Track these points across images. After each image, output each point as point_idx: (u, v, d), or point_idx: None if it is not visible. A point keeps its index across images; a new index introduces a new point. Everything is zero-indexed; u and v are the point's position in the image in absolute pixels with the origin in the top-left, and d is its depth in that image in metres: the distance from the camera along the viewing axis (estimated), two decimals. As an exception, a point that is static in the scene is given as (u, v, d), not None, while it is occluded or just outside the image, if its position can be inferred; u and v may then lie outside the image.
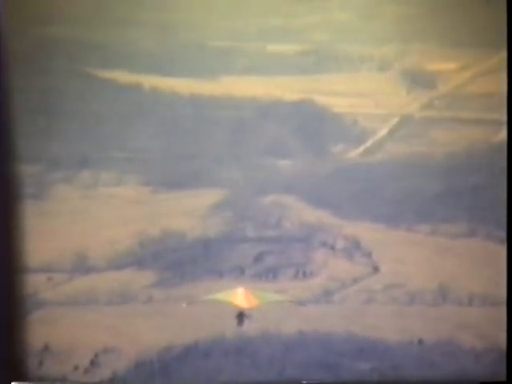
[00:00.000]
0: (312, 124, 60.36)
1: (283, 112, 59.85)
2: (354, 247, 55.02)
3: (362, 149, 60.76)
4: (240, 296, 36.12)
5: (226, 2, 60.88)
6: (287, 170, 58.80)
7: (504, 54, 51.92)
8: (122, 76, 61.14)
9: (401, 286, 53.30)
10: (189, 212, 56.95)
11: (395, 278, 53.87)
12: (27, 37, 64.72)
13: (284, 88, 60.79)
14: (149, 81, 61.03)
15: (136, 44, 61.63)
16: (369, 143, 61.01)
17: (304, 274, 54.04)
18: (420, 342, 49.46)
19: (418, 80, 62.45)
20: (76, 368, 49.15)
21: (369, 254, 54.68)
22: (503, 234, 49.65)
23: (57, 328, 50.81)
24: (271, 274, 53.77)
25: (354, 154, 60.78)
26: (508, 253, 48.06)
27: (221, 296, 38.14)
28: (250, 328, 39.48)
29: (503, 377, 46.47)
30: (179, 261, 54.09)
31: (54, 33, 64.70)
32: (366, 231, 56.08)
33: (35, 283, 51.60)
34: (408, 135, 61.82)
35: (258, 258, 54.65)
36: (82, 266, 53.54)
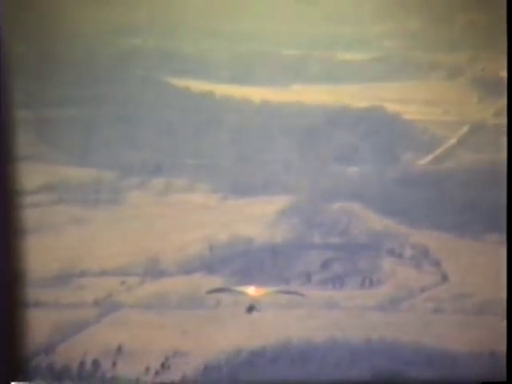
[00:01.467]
0: (381, 131, 58.48)
1: (352, 119, 58.16)
2: (422, 256, 52.78)
3: (431, 156, 58.55)
4: (251, 288, 38.99)
5: (296, 12, 59.53)
6: (355, 177, 57.04)
7: None
8: (195, 85, 60.42)
9: (469, 295, 50.81)
10: (257, 218, 55.73)
11: (464, 287, 51.43)
12: (108, 47, 64.69)
13: (354, 95, 59.09)
14: (221, 89, 60.14)
15: (209, 53, 60.94)
16: (438, 151, 58.74)
17: (371, 281, 52.03)
18: (492, 354, 46.76)
19: (489, 87, 59.89)
20: (147, 370, 48.31)
21: (437, 263, 52.34)
22: None
23: (130, 330, 50.02)
24: (338, 281, 51.94)
25: (424, 161, 58.63)
26: (508, 255, 45.30)
27: (236, 287, 41.28)
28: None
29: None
30: (247, 266, 52.81)
31: (132, 43, 64.69)
32: (435, 240, 53.81)
33: (110, 286, 50.98)
34: (479, 143, 59.35)
35: (325, 265, 52.90)
36: (153, 270, 52.68)
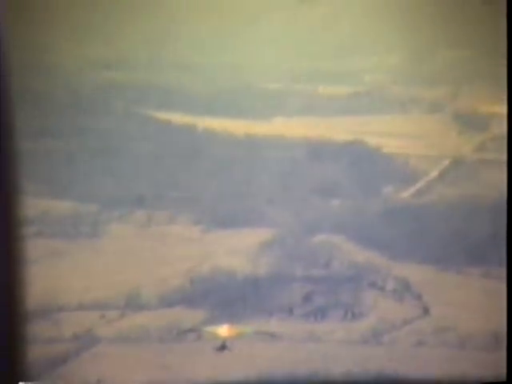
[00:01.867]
0: (363, 164, 58.20)
1: (334, 152, 57.90)
2: (404, 289, 52.27)
3: (412, 190, 58.27)
4: (224, 328, 38.30)
5: (278, 45, 59.43)
6: (337, 210, 56.59)
7: None
8: (177, 117, 60.03)
9: (452, 329, 50.28)
10: (239, 251, 55.03)
11: (446, 320, 50.90)
12: (88, 79, 64.35)
13: (335, 129, 58.88)
14: (203, 122, 59.78)
15: (190, 86, 60.63)
16: (419, 184, 58.53)
17: (353, 314, 51.39)
18: (477, 385, 46.20)
19: (469, 122, 59.96)
20: (128, 406, 47.29)
21: (419, 296, 51.84)
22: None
23: (109, 364, 49.01)
24: (320, 314, 51.25)
25: (405, 194, 58.34)
26: (508, 254, 45.03)
27: (208, 328, 40.63)
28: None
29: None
30: (229, 299, 52.01)
31: (113, 76, 64.36)
32: (416, 272, 53.37)
33: (89, 320, 50.08)
34: (459, 177, 59.22)
35: (307, 298, 52.23)
36: (134, 303, 51.81)
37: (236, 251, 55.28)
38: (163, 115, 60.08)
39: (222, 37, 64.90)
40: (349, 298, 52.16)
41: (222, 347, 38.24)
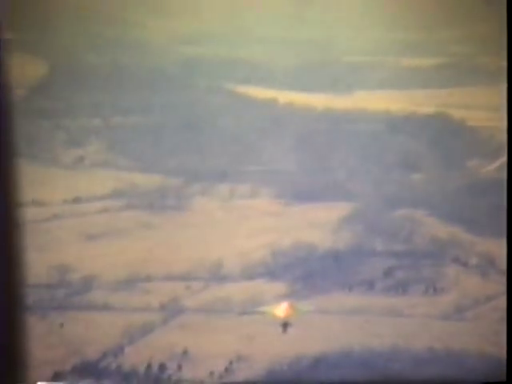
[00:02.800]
0: (446, 138, 56.13)
1: (417, 126, 55.95)
2: (488, 264, 50.24)
3: (498, 163, 55.92)
4: (282, 308, 38.09)
5: (361, 18, 57.65)
6: (419, 184, 54.81)
7: None
8: (259, 92, 59.00)
9: (537, 304, 48.21)
10: (320, 225, 53.95)
11: (530, 296, 48.86)
12: (174, 56, 63.95)
13: (418, 102, 56.87)
14: (284, 96, 58.58)
15: (273, 60, 59.49)
16: (505, 158, 56.13)
17: (435, 289, 49.73)
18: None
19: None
20: (211, 374, 47.10)
21: (503, 272, 49.75)
22: None
23: (194, 334, 48.84)
24: (401, 288, 49.80)
25: (490, 168, 56.04)
26: (508, 254, 42.47)
27: (267, 309, 40.23)
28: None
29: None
30: (309, 273, 51.08)
31: (197, 52, 63.78)
32: (502, 248, 51.25)
33: (175, 291, 49.94)
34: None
35: (388, 273, 50.80)
36: (217, 275, 51.42)
37: (317, 225, 54.19)
38: (246, 89, 59.22)
39: (304, 12, 63.65)
40: (431, 273, 50.48)
41: (285, 326, 37.64)
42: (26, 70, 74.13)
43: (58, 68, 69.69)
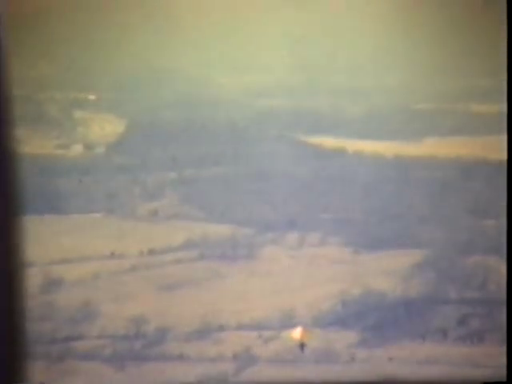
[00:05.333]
0: (519, 183, 53.34)
1: (488, 171, 53.41)
2: None
3: None
4: (297, 332, 42.13)
5: (429, 64, 55.92)
6: (491, 230, 51.99)
7: None
8: (328, 141, 57.54)
9: None
10: (390, 272, 51.59)
11: None
12: (244, 108, 63.42)
13: (489, 147, 54.41)
14: (353, 144, 56.96)
15: (341, 109, 58.09)
16: None
17: (512, 338, 46.65)
18: None
19: None
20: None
21: None
22: None
23: (267, 384, 46.75)
24: (476, 337, 46.80)
25: None
26: (508, 253, 38.88)
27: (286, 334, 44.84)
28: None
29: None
30: (381, 321, 48.59)
31: (268, 103, 63.07)
32: None
33: (248, 340, 48.09)
34: None
35: (462, 321, 47.88)
36: (289, 324, 49.35)
37: (387, 273, 51.89)
38: (315, 139, 57.87)
39: (371, 61, 62.33)
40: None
41: (302, 346, 40.36)
42: (106, 129, 74.52)
43: (135, 125, 69.77)
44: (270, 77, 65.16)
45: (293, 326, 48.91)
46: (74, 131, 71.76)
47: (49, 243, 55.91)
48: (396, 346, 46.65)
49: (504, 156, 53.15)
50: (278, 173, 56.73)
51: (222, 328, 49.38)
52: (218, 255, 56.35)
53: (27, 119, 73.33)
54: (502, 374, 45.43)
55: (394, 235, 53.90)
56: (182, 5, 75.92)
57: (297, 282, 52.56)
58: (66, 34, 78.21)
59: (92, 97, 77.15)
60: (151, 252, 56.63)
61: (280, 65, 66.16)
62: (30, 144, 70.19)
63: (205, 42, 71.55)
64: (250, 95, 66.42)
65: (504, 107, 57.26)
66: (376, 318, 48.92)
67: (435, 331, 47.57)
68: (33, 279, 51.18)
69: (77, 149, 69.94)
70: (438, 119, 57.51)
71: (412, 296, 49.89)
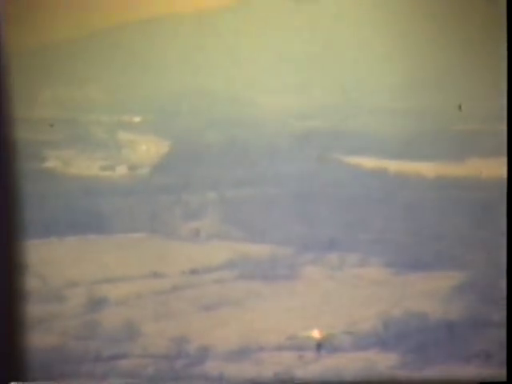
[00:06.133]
0: None
1: (532, 192, 52.14)
2: None
3: None
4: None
5: (470, 85, 54.97)
6: (535, 252, 50.68)
7: None
8: (369, 161, 56.83)
9: None
10: (431, 294, 50.49)
11: None
12: (285, 129, 63.02)
13: (532, 168, 53.14)
14: (394, 165, 56.18)
15: (382, 130, 57.38)
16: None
17: (557, 361, 45.22)
18: None
19: None
20: None
21: None
22: None
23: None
24: (520, 361, 45.46)
25: None
26: (508, 252, 37.52)
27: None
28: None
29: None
30: (422, 343, 47.48)
31: (309, 124, 62.63)
32: None
33: (288, 361, 47.30)
34: None
35: (505, 344, 46.50)
36: (329, 344, 48.46)
37: (428, 294, 50.83)
38: (356, 159, 57.22)
39: (411, 81, 61.66)
40: (551, 346, 46.09)
41: (319, 347, 42.70)
42: (150, 150, 74.65)
43: (178, 146, 69.73)
44: (310, 97, 64.72)
45: (333, 347, 48.12)
46: (119, 153, 71.99)
47: (93, 263, 55.95)
48: (439, 369, 45.59)
49: (547, 177, 51.85)
50: (317, 193, 56.18)
51: (262, 348, 48.71)
52: (258, 275, 55.94)
53: (74, 141, 73.84)
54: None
55: (435, 256, 52.97)
56: (221, 26, 75.98)
57: (337, 302, 51.75)
58: (111, 57, 78.70)
59: (137, 119, 77.42)
60: (193, 272, 56.42)
61: (320, 86, 65.80)
62: (77, 165, 70.57)
63: (244, 62, 71.44)
64: (289, 116, 66.01)
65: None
66: (417, 340, 47.90)
67: (478, 354, 46.39)
68: (77, 298, 51.19)
69: (121, 170, 70.13)
70: (479, 140, 56.58)
71: (453, 318, 48.75)
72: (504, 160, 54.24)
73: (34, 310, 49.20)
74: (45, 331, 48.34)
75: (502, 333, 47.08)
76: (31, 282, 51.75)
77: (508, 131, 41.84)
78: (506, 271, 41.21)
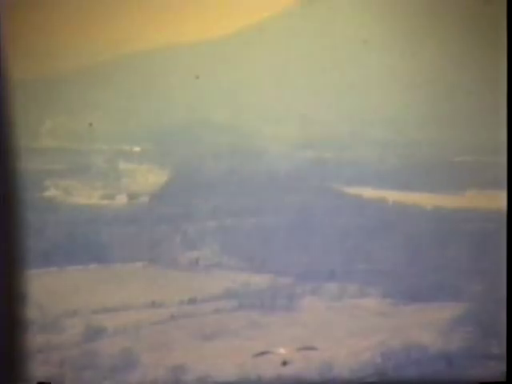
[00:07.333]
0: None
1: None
2: None
3: None
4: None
5: (470, 117, 54.96)
6: (535, 284, 50.26)
7: None
8: (368, 192, 56.63)
9: None
10: (430, 325, 50.00)
11: None
12: (285, 159, 62.94)
13: (531, 200, 52.89)
14: (393, 195, 55.97)
15: (382, 161, 57.28)
16: None
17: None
18: None
19: None
20: None
21: None
22: None
23: None
24: (519, 393, 44.87)
25: None
26: (508, 251, 37.00)
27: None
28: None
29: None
30: (421, 375, 46.93)
31: (309, 155, 62.58)
32: None
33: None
34: None
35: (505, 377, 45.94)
36: (327, 375, 47.91)
37: (427, 325, 50.35)
38: (355, 190, 57.03)
39: (411, 113, 61.62)
40: (550, 377, 45.48)
41: (284, 363, 42.54)
42: (149, 179, 74.57)
43: (177, 176, 69.63)
44: (310, 128, 64.78)
45: (331, 378, 47.64)
46: (119, 182, 71.92)
47: (92, 292, 55.57)
48: (436, 401, 45.02)
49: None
50: (317, 223, 55.90)
51: (260, 379, 48.23)
52: (258, 305, 55.51)
53: (75, 171, 73.81)
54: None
55: (434, 287, 52.65)
56: (221, 56, 76.34)
57: (336, 333, 51.30)
58: (112, 87, 78.92)
59: (137, 148, 77.49)
60: (191, 301, 55.98)
61: (321, 116, 65.82)
62: (77, 194, 70.45)
63: (246, 92, 71.60)
64: (291, 146, 66.12)
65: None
66: (416, 371, 47.43)
67: (477, 386, 45.90)
68: (76, 328, 50.77)
69: (121, 199, 70.01)
70: (478, 171, 56.38)
71: (452, 350, 48.32)
72: (503, 192, 54.15)
73: (32, 339, 48.79)
74: (43, 361, 47.85)
75: (502, 366, 46.65)
76: (31, 312, 51.41)
77: (508, 130, 41.08)
78: (506, 272, 40.63)
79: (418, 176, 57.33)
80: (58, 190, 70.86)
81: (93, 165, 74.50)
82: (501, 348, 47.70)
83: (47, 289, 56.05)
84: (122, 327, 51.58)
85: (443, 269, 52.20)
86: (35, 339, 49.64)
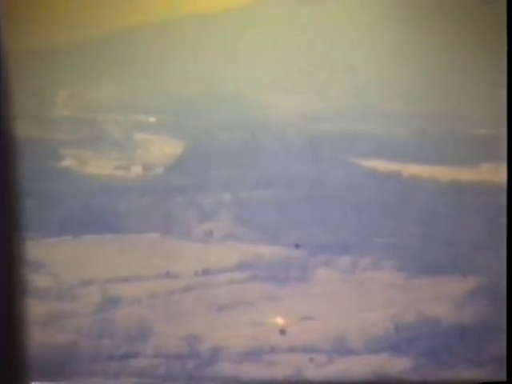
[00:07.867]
0: None
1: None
2: None
3: None
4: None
5: (487, 89, 54.33)
6: (550, 258, 50.00)
7: None
8: (383, 165, 56.28)
9: None
10: (444, 298, 49.83)
11: None
12: (298, 131, 62.60)
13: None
14: (408, 169, 55.59)
15: (397, 134, 56.86)
16: None
17: None
18: None
19: None
20: None
21: None
22: None
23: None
24: (533, 367, 44.76)
25: None
26: (508, 251, 36.69)
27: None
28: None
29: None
30: (434, 348, 46.82)
31: (323, 127, 62.15)
32: None
33: (299, 363, 46.76)
34: None
35: (519, 350, 45.85)
36: (340, 348, 47.88)
37: (441, 298, 50.18)
38: (369, 163, 56.68)
39: (428, 85, 61.07)
40: None
41: (282, 332, 43.99)
42: (164, 150, 74.35)
43: (193, 147, 69.34)
44: (324, 100, 64.32)
45: (345, 350, 47.59)
46: (134, 153, 71.72)
47: (107, 262, 55.72)
48: (450, 373, 44.94)
49: None
50: (331, 196, 55.69)
51: (273, 350, 48.25)
52: (271, 277, 55.50)
53: (90, 141, 73.69)
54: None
55: (449, 261, 52.41)
56: (241, 28, 75.69)
57: (349, 305, 51.20)
58: (127, 58, 78.49)
59: (152, 119, 77.19)
60: (205, 272, 55.97)
61: (335, 89, 65.35)
62: (92, 165, 70.40)
63: (259, 63, 71.11)
64: (304, 119, 65.70)
65: None
66: (430, 344, 47.28)
67: (490, 359, 45.73)
68: (91, 297, 50.97)
69: (136, 170, 69.88)
70: (494, 144, 55.93)
71: (467, 323, 48.13)
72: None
73: (47, 307, 49.06)
74: (58, 329, 48.11)
75: (515, 339, 46.51)
76: (45, 280, 51.65)
77: (508, 130, 40.49)
78: (506, 270, 40.41)
79: (434, 149, 57.00)
80: (74, 160, 70.82)
81: (108, 135, 74.37)
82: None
83: (62, 257, 56.22)
84: (137, 297, 51.75)
85: (458, 242, 51.96)
86: (50, 307, 49.97)
